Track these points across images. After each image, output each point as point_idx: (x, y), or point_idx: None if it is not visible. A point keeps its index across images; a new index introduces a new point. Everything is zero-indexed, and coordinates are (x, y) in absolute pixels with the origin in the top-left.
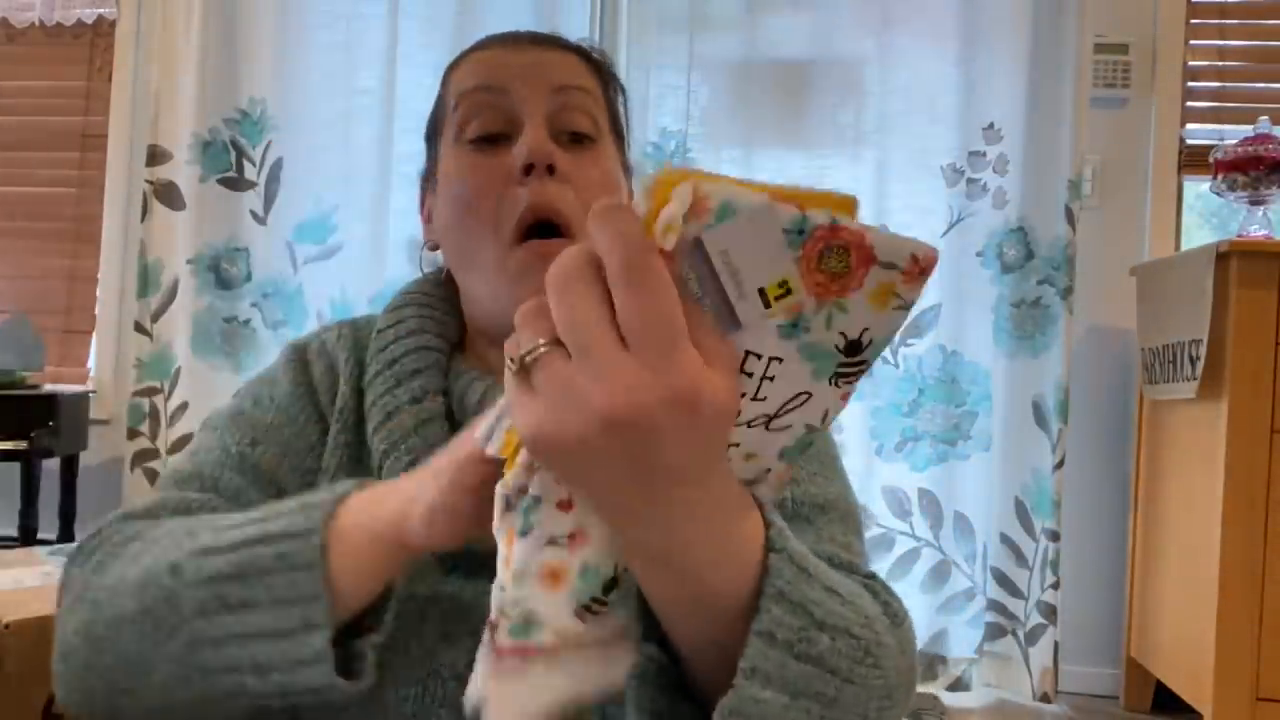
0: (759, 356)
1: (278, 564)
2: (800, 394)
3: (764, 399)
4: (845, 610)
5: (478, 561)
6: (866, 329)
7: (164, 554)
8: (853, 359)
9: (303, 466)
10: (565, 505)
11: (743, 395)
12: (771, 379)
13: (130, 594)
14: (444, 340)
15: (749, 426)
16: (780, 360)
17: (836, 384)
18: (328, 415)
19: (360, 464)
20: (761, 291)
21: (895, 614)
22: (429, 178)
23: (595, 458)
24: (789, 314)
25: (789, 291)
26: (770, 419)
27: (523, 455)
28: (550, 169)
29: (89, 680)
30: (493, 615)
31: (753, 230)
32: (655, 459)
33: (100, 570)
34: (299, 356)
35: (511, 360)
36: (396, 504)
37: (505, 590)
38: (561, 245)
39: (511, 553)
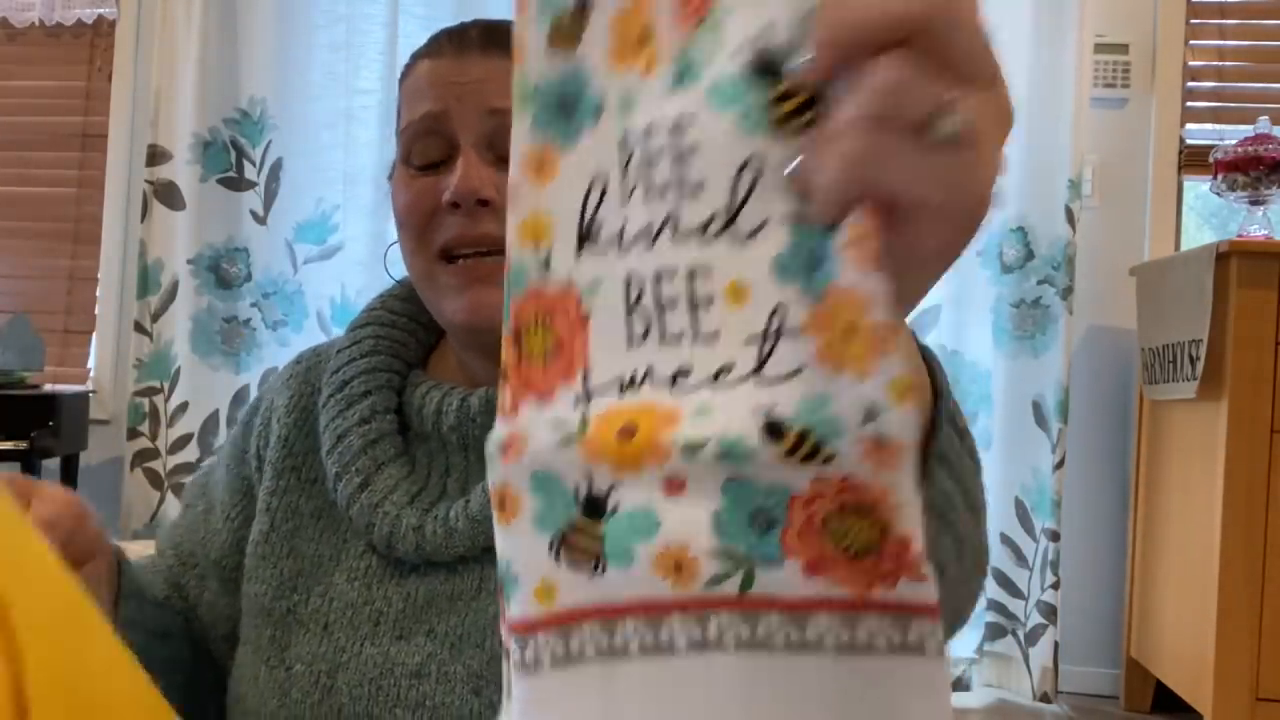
0: None
1: None
2: None
3: None
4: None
5: (433, 564)
6: None
7: None
8: None
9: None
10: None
11: None
12: None
13: None
14: (400, 359)
15: None
16: None
17: None
18: (254, 481)
19: (316, 485)
20: None
21: None
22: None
23: None
24: None
25: None
26: None
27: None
28: (481, 202)
29: None
30: None
31: None
32: None
33: None
34: (240, 434)
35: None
36: None
37: None
38: (494, 264)
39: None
